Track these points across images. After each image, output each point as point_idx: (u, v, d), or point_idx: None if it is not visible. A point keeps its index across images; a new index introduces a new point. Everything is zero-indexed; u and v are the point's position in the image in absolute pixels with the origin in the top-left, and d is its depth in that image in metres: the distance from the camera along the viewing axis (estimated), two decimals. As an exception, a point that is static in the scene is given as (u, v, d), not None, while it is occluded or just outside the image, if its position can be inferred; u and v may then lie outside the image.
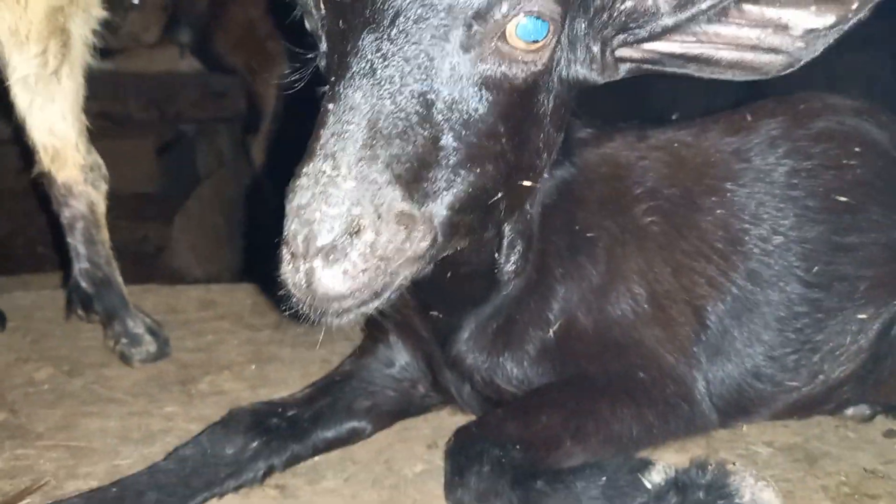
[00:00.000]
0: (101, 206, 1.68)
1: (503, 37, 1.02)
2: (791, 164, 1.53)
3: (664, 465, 1.23)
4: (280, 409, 1.39)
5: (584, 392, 1.34)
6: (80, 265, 1.72)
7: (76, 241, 1.69)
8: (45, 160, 1.60)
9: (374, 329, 1.57)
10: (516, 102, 1.06)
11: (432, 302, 1.39)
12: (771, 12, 1.10)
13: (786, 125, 1.58)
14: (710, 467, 1.20)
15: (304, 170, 0.95)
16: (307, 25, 1.18)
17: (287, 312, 0.98)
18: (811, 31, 1.10)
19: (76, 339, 1.85)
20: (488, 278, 1.33)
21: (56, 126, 1.57)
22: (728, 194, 1.49)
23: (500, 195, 1.10)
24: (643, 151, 1.55)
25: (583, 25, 1.13)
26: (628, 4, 1.12)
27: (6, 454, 1.43)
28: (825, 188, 1.50)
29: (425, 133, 0.99)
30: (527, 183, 1.15)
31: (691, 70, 1.16)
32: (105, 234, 1.71)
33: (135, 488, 1.20)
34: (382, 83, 0.98)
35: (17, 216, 2.64)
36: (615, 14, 1.12)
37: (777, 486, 1.34)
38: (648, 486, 1.19)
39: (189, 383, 1.71)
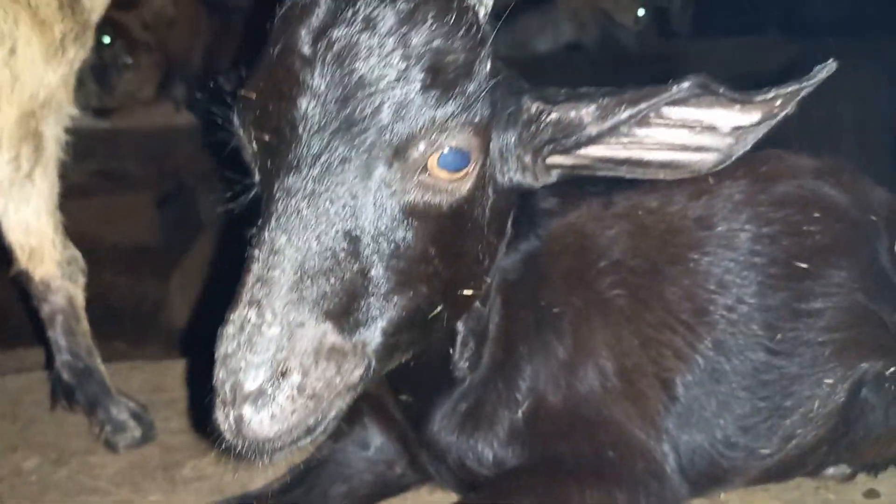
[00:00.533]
0: (80, 299, 1.72)
1: (425, 169, 1.06)
2: (753, 230, 1.54)
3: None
4: (252, 503, 1.41)
5: (553, 476, 1.35)
6: (61, 357, 1.76)
7: (56, 335, 1.73)
8: (22, 259, 1.65)
9: (349, 411, 1.58)
10: (445, 226, 1.10)
11: (400, 387, 1.41)
12: (696, 114, 1.13)
13: (747, 189, 1.60)
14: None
15: (231, 317, 0.99)
16: (244, 156, 1.20)
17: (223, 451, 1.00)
18: (739, 128, 1.13)
19: (63, 425, 1.87)
20: (445, 373, 1.34)
21: (31, 225, 1.61)
22: (692, 263, 1.51)
23: (439, 309, 1.13)
24: (608, 220, 1.56)
25: (513, 138, 1.18)
26: (553, 117, 1.16)
27: (-9, 554, 1.46)
28: (786, 254, 1.51)
29: (354, 268, 1.03)
30: (467, 292, 1.19)
31: (623, 172, 1.19)
32: (85, 326, 1.74)
33: None
34: (307, 225, 1.02)
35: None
36: (542, 126, 1.17)
37: (754, 556, 1.35)
38: (617, 570, 1.20)
39: (173, 469, 1.73)
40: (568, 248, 1.52)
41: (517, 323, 1.43)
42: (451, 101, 1.05)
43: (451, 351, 1.31)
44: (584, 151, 1.18)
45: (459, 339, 1.31)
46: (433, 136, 1.04)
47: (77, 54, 1.67)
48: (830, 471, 1.59)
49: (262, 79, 1.09)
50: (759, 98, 1.12)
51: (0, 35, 1.51)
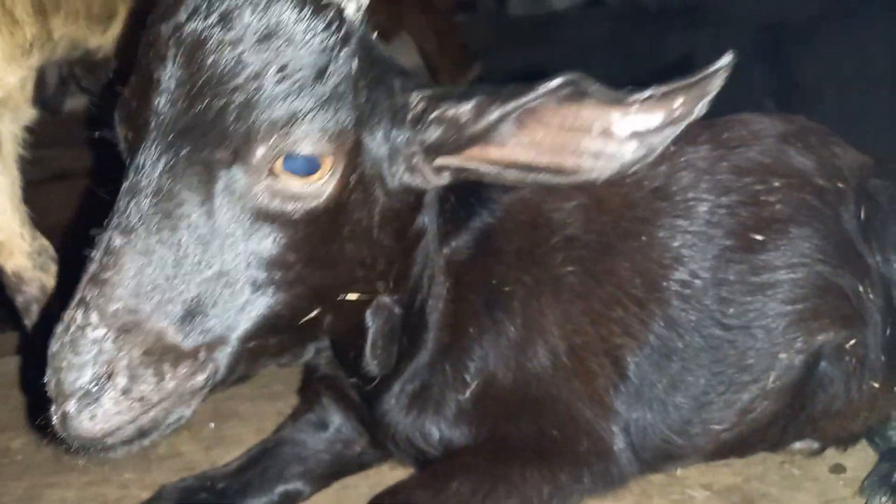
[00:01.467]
0: (51, 286, 1.77)
1: (272, 174, 1.03)
2: (711, 200, 1.49)
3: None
4: (209, 483, 1.45)
5: (496, 455, 1.35)
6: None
7: (32, 323, 1.78)
8: None
9: (308, 393, 1.62)
10: (307, 232, 1.08)
11: (348, 373, 1.42)
12: (586, 115, 1.07)
13: (708, 156, 1.54)
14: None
15: (63, 316, 1.00)
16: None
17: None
18: (638, 133, 1.07)
19: (51, 406, 1.94)
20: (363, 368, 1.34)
21: None
22: (646, 237, 1.47)
23: (315, 313, 1.12)
24: (564, 193, 1.53)
25: (400, 139, 1.14)
26: (435, 115, 1.12)
27: (-28, 530, 1.54)
28: (743, 226, 1.46)
29: (201, 273, 1.02)
30: (352, 296, 1.17)
31: (511, 177, 1.14)
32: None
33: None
34: (149, 226, 1.02)
35: None
36: (427, 126, 1.13)
37: (706, 533, 1.34)
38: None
39: (148, 447, 1.77)
40: (521, 224, 1.49)
41: (466, 304, 1.43)
42: (296, 103, 1.02)
43: (363, 349, 1.29)
44: (469, 153, 1.13)
45: (369, 337, 1.28)
46: (273, 140, 1.01)
47: (39, 59, 1.69)
48: (797, 445, 1.56)
49: (133, 76, 1.09)
50: (644, 97, 1.06)
51: None
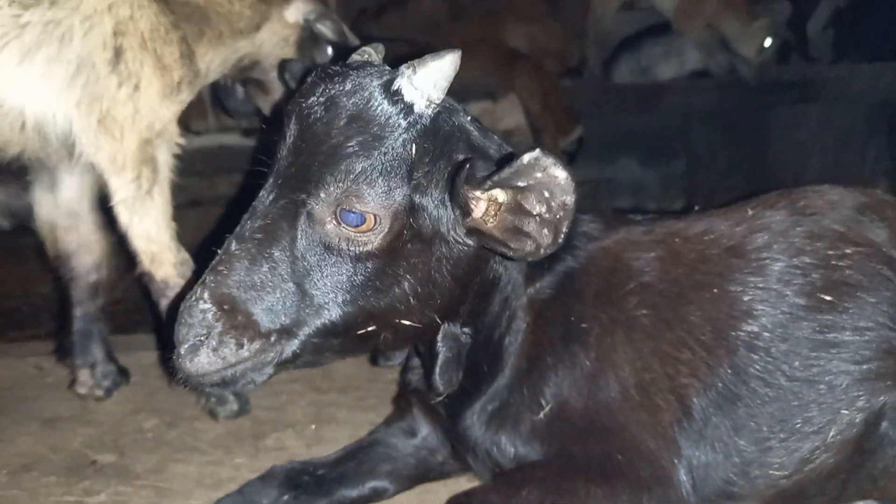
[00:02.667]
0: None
1: (335, 218, 1.34)
2: (784, 261, 1.61)
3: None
4: (311, 469, 1.67)
5: (564, 471, 1.50)
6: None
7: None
8: (145, 262, 2.02)
9: (402, 403, 1.83)
10: (363, 268, 1.36)
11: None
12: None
13: (784, 222, 1.67)
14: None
15: (194, 287, 1.34)
16: None
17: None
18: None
19: (179, 395, 2.24)
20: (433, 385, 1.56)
21: (152, 235, 1.98)
22: (717, 290, 1.60)
23: (371, 328, 1.40)
24: (644, 245, 1.69)
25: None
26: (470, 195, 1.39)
27: (111, 489, 1.82)
28: (814, 287, 1.57)
29: (284, 280, 1.35)
30: (406, 322, 1.43)
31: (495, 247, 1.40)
32: (196, 316, 2.10)
33: (188, 526, 1.52)
34: (254, 238, 1.35)
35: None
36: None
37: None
38: (609, 560, 1.34)
39: (259, 439, 2.04)
40: (602, 269, 1.67)
41: (546, 336, 1.61)
42: (357, 166, 1.32)
43: (433, 369, 1.53)
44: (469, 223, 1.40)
45: (439, 360, 1.52)
46: (335, 190, 1.32)
47: (189, 95, 2.04)
48: None
49: (282, 121, 1.43)
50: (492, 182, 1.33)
51: (128, 74, 1.89)
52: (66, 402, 2.28)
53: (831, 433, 1.50)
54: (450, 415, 1.67)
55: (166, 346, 2.15)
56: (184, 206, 4.11)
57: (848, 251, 1.60)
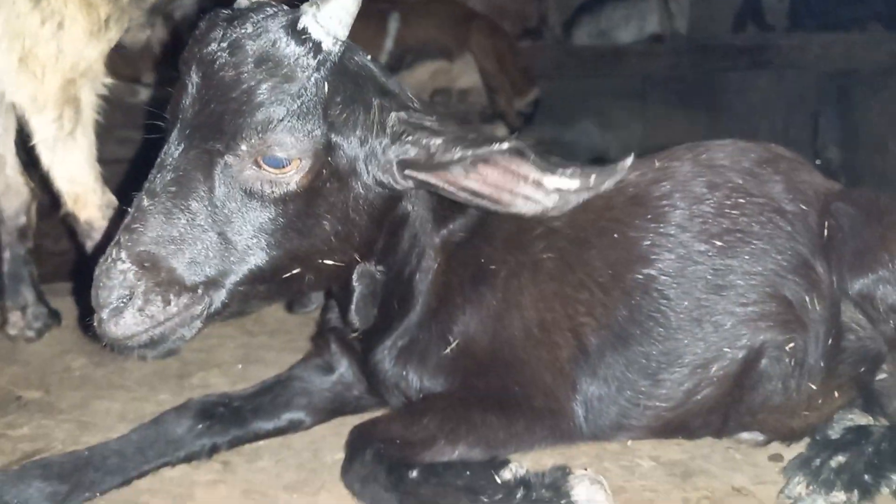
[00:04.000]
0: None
1: (256, 163, 1.35)
2: (683, 209, 1.69)
3: (516, 465, 1.46)
4: (227, 401, 1.72)
5: (464, 401, 1.58)
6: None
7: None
8: (69, 203, 2.02)
9: (320, 341, 1.89)
10: (284, 209, 1.39)
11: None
12: (525, 169, 1.38)
13: (687, 173, 1.75)
14: (552, 470, 1.43)
15: (107, 249, 1.33)
16: None
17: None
18: (560, 189, 1.39)
19: (110, 337, 2.27)
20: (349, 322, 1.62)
21: (75, 176, 1.98)
22: (617, 235, 1.68)
23: (296, 271, 1.43)
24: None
25: (380, 145, 1.44)
26: (411, 138, 1.42)
27: (34, 423, 1.86)
28: (709, 233, 1.66)
29: (204, 231, 1.36)
30: (328, 262, 1.47)
31: (463, 198, 1.44)
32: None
33: (101, 453, 1.56)
34: (167, 192, 1.35)
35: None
36: (403, 144, 1.43)
37: (641, 494, 1.55)
38: (499, 481, 1.43)
39: (184, 377, 2.09)
40: (513, 215, 1.73)
41: (456, 277, 1.67)
42: (273, 113, 1.33)
43: (349, 306, 1.57)
44: (431, 174, 1.42)
45: (355, 297, 1.56)
46: (254, 139, 1.33)
47: (117, 33, 2.03)
48: (744, 436, 1.73)
49: (177, 83, 1.42)
50: (569, 171, 1.39)
51: (51, 11, 1.87)
52: (-5, 341, 2.31)
53: (713, 368, 1.60)
54: (364, 350, 1.74)
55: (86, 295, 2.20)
56: (132, 160, 4.08)
57: (742, 201, 1.69)
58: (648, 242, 1.67)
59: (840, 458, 1.50)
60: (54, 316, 2.37)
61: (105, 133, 2.13)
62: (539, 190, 1.40)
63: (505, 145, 1.38)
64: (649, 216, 1.69)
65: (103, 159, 2.13)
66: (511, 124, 5.45)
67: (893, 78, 5.86)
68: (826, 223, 1.69)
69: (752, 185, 1.72)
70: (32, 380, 2.09)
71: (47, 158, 1.97)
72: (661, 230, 1.68)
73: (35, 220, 2.28)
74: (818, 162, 6.31)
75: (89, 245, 2.08)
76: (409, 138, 1.42)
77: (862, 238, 1.65)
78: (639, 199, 1.73)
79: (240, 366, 2.16)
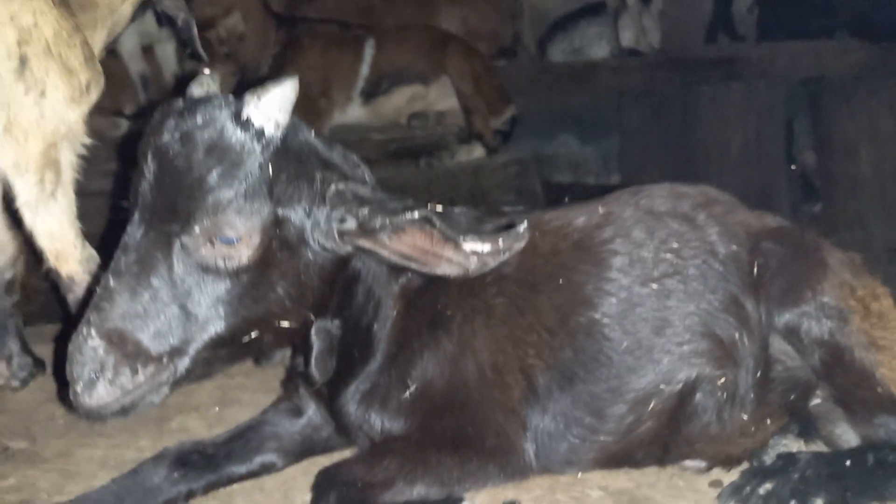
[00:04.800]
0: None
1: (209, 241, 1.48)
2: (624, 255, 1.81)
3: (468, 502, 1.58)
4: (201, 448, 1.83)
5: (420, 443, 1.69)
6: (84, 334, 2.26)
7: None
8: (51, 259, 2.13)
9: (289, 385, 2.00)
10: (238, 280, 1.52)
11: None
12: (437, 235, 1.54)
13: (627, 219, 1.87)
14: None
15: (79, 325, 1.46)
16: None
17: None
18: (476, 252, 1.55)
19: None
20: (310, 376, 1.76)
21: (56, 233, 2.09)
22: (563, 280, 1.80)
23: (255, 335, 1.56)
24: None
25: (323, 215, 1.58)
26: (345, 207, 1.58)
27: (19, 474, 1.95)
28: (648, 277, 1.78)
29: (167, 305, 1.49)
30: (284, 324, 1.60)
31: (395, 261, 1.60)
32: (101, 310, 2.23)
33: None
34: (130, 272, 1.47)
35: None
36: (341, 212, 1.58)
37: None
38: (453, 519, 1.55)
39: (163, 422, 2.19)
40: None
41: (414, 323, 1.79)
42: (222, 196, 1.47)
43: (309, 360, 1.71)
44: (364, 240, 1.57)
45: (314, 353, 1.71)
46: (205, 221, 1.47)
47: (95, 96, 2.15)
48: (688, 463, 1.84)
49: (138, 160, 1.55)
50: (476, 237, 1.55)
51: (34, 81, 1.99)
52: (-19, 391, 2.41)
53: (652, 403, 1.72)
54: (330, 395, 1.85)
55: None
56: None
57: (677, 245, 1.81)
58: (592, 287, 1.79)
59: (768, 486, 1.63)
60: (39, 364, 2.47)
61: (90, 167, 2.24)
62: (458, 253, 1.55)
63: (416, 214, 1.54)
64: (592, 261, 1.81)
65: (90, 191, 2.26)
66: (488, 144, 5.55)
67: (862, 85, 6.04)
68: (756, 262, 1.81)
69: (687, 230, 1.84)
70: (18, 429, 2.19)
71: (29, 219, 2.08)
72: (604, 275, 1.80)
73: (21, 274, 2.38)
74: (793, 167, 6.49)
75: (71, 298, 2.19)
76: (344, 208, 1.57)
77: (788, 275, 1.78)
78: (583, 244, 1.85)
79: (217, 408, 2.27)
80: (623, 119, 6.70)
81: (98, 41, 2.28)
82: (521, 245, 1.59)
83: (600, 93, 6.90)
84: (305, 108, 5.20)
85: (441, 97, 5.69)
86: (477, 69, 5.61)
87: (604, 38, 7.14)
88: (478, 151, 5.49)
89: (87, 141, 2.15)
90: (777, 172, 6.11)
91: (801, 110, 6.43)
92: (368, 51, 5.36)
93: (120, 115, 4.96)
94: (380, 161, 5.32)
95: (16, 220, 2.27)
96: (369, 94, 5.40)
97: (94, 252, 2.19)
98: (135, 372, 1.47)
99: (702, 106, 6.24)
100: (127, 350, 1.47)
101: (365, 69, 5.35)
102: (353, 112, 5.35)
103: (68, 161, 2.10)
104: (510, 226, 1.65)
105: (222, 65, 5.45)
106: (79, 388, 1.45)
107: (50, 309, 2.85)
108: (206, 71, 1.70)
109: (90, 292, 1.81)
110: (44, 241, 2.10)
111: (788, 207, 6.02)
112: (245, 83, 5.45)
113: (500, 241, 1.57)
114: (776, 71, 6.61)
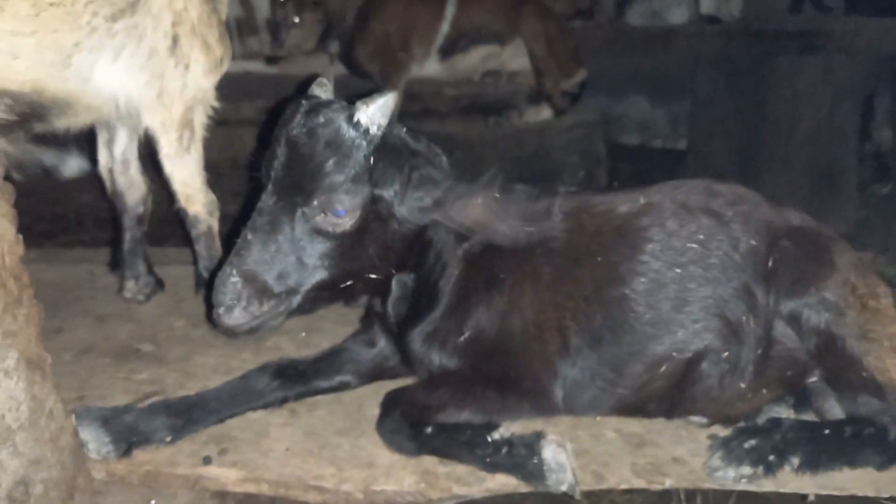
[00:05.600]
0: (216, 228, 2.68)
1: (323, 213, 1.89)
2: (657, 242, 2.12)
3: (504, 429, 1.98)
4: (296, 364, 2.28)
5: (470, 379, 2.09)
6: (202, 262, 2.74)
7: (200, 249, 2.70)
8: (181, 201, 2.60)
9: (366, 321, 2.42)
10: (341, 241, 1.94)
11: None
12: (492, 213, 2.00)
13: (663, 211, 2.17)
14: (531, 434, 1.94)
15: (224, 266, 1.90)
16: None
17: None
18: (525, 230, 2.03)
19: (202, 303, 2.86)
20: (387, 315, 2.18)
21: (188, 180, 2.55)
22: (601, 258, 2.13)
23: (349, 283, 1.99)
24: (557, 216, 2.22)
25: (408, 195, 1.98)
26: (424, 189, 1.98)
27: (150, 370, 2.46)
28: (675, 262, 2.09)
29: (288, 255, 1.92)
30: (372, 276, 2.02)
31: (462, 231, 2.02)
32: (218, 244, 2.70)
33: (204, 398, 2.15)
34: (262, 229, 1.90)
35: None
36: (421, 193, 2.00)
37: (601, 457, 2.05)
38: (490, 440, 1.96)
39: (261, 341, 2.65)
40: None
41: (473, 282, 2.16)
42: (335, 179, 1.87)
43: (387, 303, 2.14)
44: (439, 214, 1.97)
45: (391, 298, 2.14)
46: (323, 198, 1.87)
47: (226, 67, 2.54)
48: (692, 418, 2.19)
49: (268, 151, 1.97)
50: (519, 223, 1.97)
51: (181, 56, 2.40)
52: (114, 302, 2.92)
53: (665, 367, 2.07)
54: (400, 333, 2.26)
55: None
56: (211, 126, 4.68)
57: (704, 237, 2.11)
58: (625, 266, 2.12)
59: (752, 441, 1.96)
60: (159, 284, 2.98)
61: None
62: (510, 228, 1.95)
63: (479, 198, 1.94)
64: (629, 245, 2.13)
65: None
66: (556, 105, 5.72)
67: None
68: (772, 256, 2.10)
69: (714, 224, 2.13)
70: (146, 335, 2.70)
71: (168, 168, 2.54)
72: (637, 257, 2.12)
73: (151, 209, 2.87)
74: (870, 141, 6.43)
75: (194, 233, 2.66)
76: (424, 189, 1.97)
77: (797, 270, 2.07)
78: (622, 229, 2.16)
79: (304, 333, 2.72)
80: (696, 84, 6.70)
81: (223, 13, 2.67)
82: (553, 226, 2.00)
83: (675, 57, 6.90)
84: (385, 60, 5.56)
85: (515, 57, 5.87)
86: (550, 31, 5.75)
87: (683, 2, 7.10)
88: (545, 113, 5.69)
89: (217, 104, 2.56)
90: (848, 150, 6.06)
91: (883, 87, 6.33)
92: (450, 8, 5.56)
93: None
94: (451, 116, 5.63)
95: (151, 167, 2.73)
96: (447, 51, 5.64)
97: (215, 198, 2.63)
98: (261, 303, 1.93)
99: (776, 77, 6.19)
100: (257, 286, 1.92)
101: (445, 26, 5.58)
102: (430, 67, 5.62)
103: (201, 121, 2.52)
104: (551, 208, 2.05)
105: (310, 13, 5.78)
106: (221, 311, 1.91)
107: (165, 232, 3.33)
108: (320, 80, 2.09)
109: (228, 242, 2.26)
110: (178, 186, 2.55)
111: (856, 187, 6.05)
112: (329, 30, 5.78)
113: (536, 226, 1.99)
114: (859, 46, 6.44)
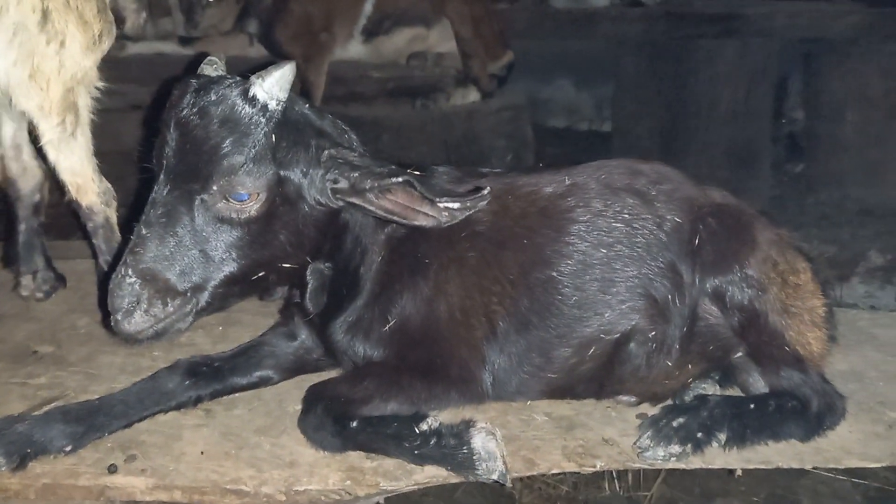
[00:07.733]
0: (113, 218, 2.49)
1: (224, 199, 1.76)
2: (582, 223, 2.08)
3: (432, 419, 1.91)
4: (210, 361, 2.15)
5: (395, 368, 2.01)
6: (102, 258, 2.54)
7: (99, 242, 2.49)
8: (72, 192, 2.39)
9: (286, 313, 2.30)
10: (248, 229, 1.81)
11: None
12: (417, 196, 1.82)
13: (587, 191, 2.13)
14: (460, 423, 1.87)
15: (118, 266, 1.76)
16: None
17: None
18: (448, 208, 1.84)
19: (109, 299, 2.67)
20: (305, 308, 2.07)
21: (77, 169, 2.34)
22: (527, 241, 2.08)
23: (262, 274, 1.85)
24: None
25: (318, 175, 1.85)
26: (338, 171, 1.85)
27: (50, 374, 2.27)
28: (600, 243, 2.06)
29: (190, 249, 1.78)
30: (286, 265, 1.89)
31: (381, 215, 1.89)
32: (118, 235, 2.50)
33: (109, 402, 1.99)
34: (158, 223, 1.75)
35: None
36: (331, 172, 1.85)
37: (531, 442, 2.00)
38: (418, 431, 1.88)
39: (172, 338, 2.49)
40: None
41: (397, 268, 2.07)
42: (234, 160, 1.74)
43: (304, 295, 2.02)
44: (355, 197, 1.85)
45: (308, 289, 2.02)
46: (222, 182, 1.74)
47: (108, 44, 2.35)
48: (622, 398, 2.18)
49: (159, 135, 1.82)
50: (448, 200, 1.85)
51: (54, 32, 2.19)
52: (10, 301, 2.70)
53: (592, 349, 2.04)
54: (321, 324, 2.15)
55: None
56: (124, 109, 4.40)
57: (628, 216, 2.08)
58: (551, 248, 2.07)
59: (680, 419, 1.96)
60: (60, 279, 2.76)
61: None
62: (434, 209, 1.85)
63: (400, 178, 1.82)
64: (554, 227, 2.09)
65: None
66: (483, 88, 5.69)
67: (855, 48, 6.16)
68: (696, 233, 2.10)
69: (638, 203, 2.11)
70: (45, 335, 2.50)
71: (53, 156, 2.33)
72: (563, 239, 2.07)
73: (47, 198, 2.64)
74: (784, 121, 6.66)
75: (90, 226, 2.46)
76: (337, 170, 1.85)
77: (720, 248, 2.07)
78: (547, 211, 2.12)
79: (220, 327, 2.58)
80: (619, 68, 6.79)
81: None
82: (484, 204, 1.90)
83: (599, 40, 6.97)
84: (306, 41, 5.38)
85: (441, 39, 5.79)
86: (477, 13, 5.70)
87: (604, -14, 7.16)
88: (473, 95, 5.65)
89: (101, 85, 2.37)
90: (763, 131, 6.28)
91: (795, 69, 6.56)
92: (373, -11, 5.43)
93: (125, 37, 5.08)
94: (377, 99, 5.51)
95: (42, 153, 2.52)
96: (371, 33, 5.51)
97: (109, 186, 2.45)
98: (164, 304, 1.77)
99: (696, 60, 6.34)
100: (158, 286, 1.76)
101: (368, 7, 5.44)
102: (354, 49, 5.48)
103: (85, 104, 2.33)
104: (479, 188, 1.93)
105: (230, -9, 5.53)
106: (119, 316, 1.75)
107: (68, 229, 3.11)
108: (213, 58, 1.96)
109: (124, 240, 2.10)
110: (66, 175, 2.35)
111: (770, 166, 6.27)
112: (247, 9, 5.55)
113: (468, 202, 1.88)
114: (773, 29, 6.65)
